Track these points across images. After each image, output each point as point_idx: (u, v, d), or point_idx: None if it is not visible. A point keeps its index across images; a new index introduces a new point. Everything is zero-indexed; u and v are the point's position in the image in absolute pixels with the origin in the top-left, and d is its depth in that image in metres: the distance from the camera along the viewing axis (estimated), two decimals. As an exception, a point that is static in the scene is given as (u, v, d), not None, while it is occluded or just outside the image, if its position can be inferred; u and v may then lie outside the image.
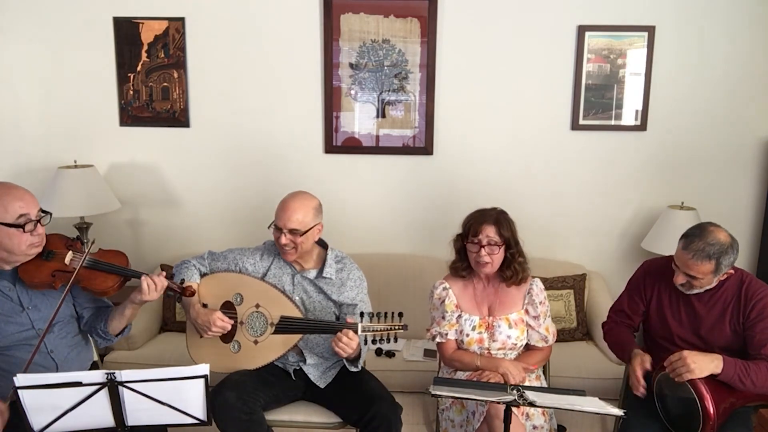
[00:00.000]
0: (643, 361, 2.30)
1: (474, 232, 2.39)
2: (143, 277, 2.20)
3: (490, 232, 2.38)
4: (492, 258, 2.39)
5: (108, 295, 2.27)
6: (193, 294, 2.37)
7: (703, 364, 2.12)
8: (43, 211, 2.14)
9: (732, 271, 2.24)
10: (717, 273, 2.19)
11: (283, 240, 2.39)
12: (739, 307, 2.25)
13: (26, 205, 2.07)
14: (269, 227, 2.44)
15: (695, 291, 2.27)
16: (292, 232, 2.39)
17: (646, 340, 2.50)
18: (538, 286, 2.48)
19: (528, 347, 2.51)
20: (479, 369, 2.41)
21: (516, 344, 2.44)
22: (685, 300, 2.34)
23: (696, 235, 2.18)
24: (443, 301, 2.48)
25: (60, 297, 2.14)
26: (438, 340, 2.49)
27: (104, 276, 2.20)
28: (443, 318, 2.47)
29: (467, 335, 2.43)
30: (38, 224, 2.10)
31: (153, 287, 2.19)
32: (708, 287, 2.26)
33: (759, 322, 2.21)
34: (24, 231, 2.05)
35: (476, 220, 2.42)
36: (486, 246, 2.38)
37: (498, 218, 2.41)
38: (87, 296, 2.27)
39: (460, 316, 2.46)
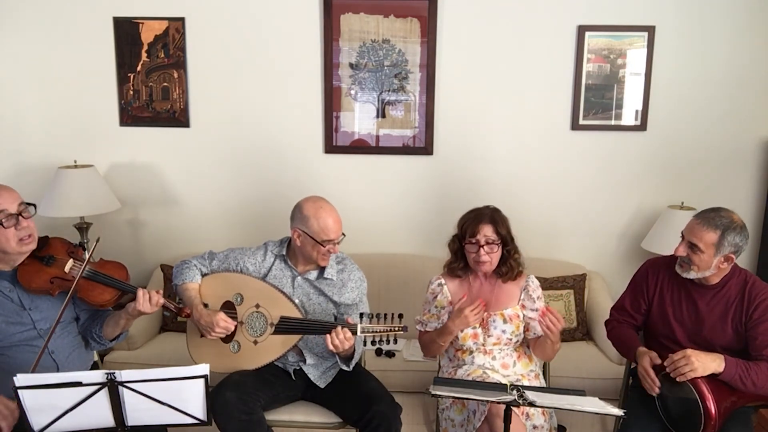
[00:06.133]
0: (652, 359, 2.29)
1: (472, 233, 2.42)
2: (139, 289, 2.20)
3: (487, 232, 2.41)
4: (491, 256, 2.42)
5: (104, 308, 2.27)
6: (188, 316, 2.38)
7: (705, 363, 2.13)
8: (27, 203, 2.09)
9: (733, 258, 2.22)
10: (718, 251, 2.19)
11: (335, 249, 2.45)
12: (742, 307, 2.25)
13: (1, 200, 2.02)
14: (323, 249, 2.41)
15: (692, 274, 2.26)
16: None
17: (647, 338, 2.50)
18: (534, 282, 2.52)
19: (529, 340, 2.51)
20: (443, 339, 2.43)
21: (511, 339, 2.45)
22: (688, 298, 2.34)
23: (711, 210, 2.25)
24: (436, 296, 2.54)
25: (60, 301, 2.14)
26: (418, 327, 2.57)
27: (102, 288, 2.19)
28: (428, 310, 2.54)
29: (461, 331, 2.44)
30: (20, 217, 2.06)
31: (147, 298, 2.18)
32: (705, 274, 2.24)
33: (761, 324, 2.21)
34: (4, 227, 2.02)
35: (473, 220, 2.45)
36: (485, 245, 2.40)
37: (494, 217, 2.45)
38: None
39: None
